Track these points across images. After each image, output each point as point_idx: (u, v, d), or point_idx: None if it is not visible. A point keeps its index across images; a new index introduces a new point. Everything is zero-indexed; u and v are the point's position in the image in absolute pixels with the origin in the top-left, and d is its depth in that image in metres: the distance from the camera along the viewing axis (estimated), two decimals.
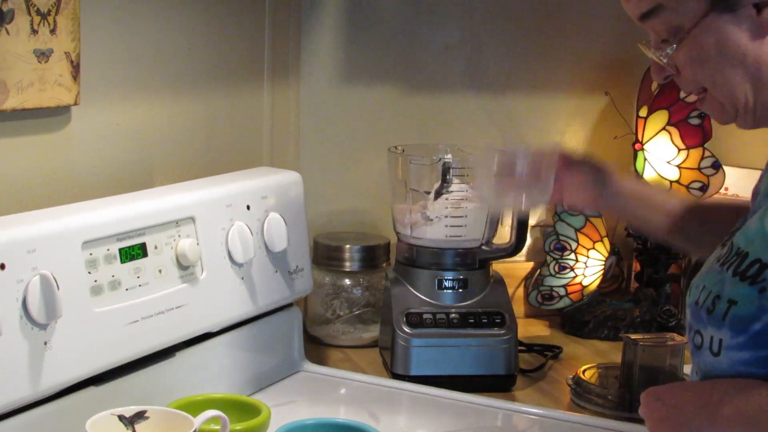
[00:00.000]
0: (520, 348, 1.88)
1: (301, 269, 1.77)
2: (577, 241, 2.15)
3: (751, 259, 1.18)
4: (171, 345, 1.52)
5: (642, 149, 2.13)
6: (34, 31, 1.47)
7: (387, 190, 1.93)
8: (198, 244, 1.55)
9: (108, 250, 1.42)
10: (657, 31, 1.25)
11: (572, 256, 2.16)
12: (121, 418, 1.29)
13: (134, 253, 1.45)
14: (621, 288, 2.30)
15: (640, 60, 2.21)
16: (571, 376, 1.80)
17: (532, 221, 2.04)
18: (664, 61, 1.25)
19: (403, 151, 1.88)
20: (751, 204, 1.29)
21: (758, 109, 1.22)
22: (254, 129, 1.99)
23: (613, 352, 2.02)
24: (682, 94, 2.11)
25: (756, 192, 1.29)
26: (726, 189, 2.11)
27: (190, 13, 1.80)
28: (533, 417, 1.69)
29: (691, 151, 2.11)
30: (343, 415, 1.51)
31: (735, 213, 1.35)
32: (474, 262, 1.85)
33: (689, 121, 2.10)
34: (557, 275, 2.17)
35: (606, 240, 2.17)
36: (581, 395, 1.75)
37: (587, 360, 1.99)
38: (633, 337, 1.75)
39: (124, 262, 1.44)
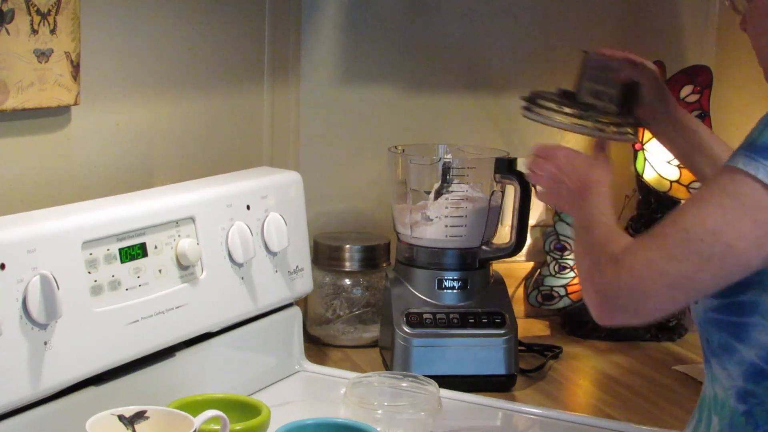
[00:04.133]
0: (520, 348, 1.88)
1: (301, 269, 1.77)
2: None
3: None
4: (171, 345, 1.52)
5: (642, 149, 2.13)
6: (34, 31, 1.47)
7: (387, 190, 1.93)
8: (198, 244, 1.55)
9: (108, 250, 1.42)
10: None
11: (572, 255, 2.16)
12: (121, 418, 1.29)
13: (134, 253, 1.45)
14: None
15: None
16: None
17: (532, 221, 2.03)
18: (740, 9, 1.34)
19: (403, 151, 1.88)
20: None
21: None
22: (254, 129, 1.99)
23: (613, 353, 2.02)
24: (682, 94, 2.11)
25: None
26: None
27: (190, 13, 1.80)
28: (533, 417, 1.69)
29: None
30: (343, 415, 1.51)
31: None
32: (474, 262, 1.85)
33: None
34: (557, 275, 2.17)
35: None
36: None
37: (587, 360, 1.99)
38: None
39: (124, 262, 1.44)
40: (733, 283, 1.21)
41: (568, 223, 2.15)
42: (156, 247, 1.49)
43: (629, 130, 1.61)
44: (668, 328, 2.09)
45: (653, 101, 1.62)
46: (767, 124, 1.16)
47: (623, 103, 1.62)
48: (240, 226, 1.62)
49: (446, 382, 1.67)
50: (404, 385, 1.58)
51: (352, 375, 1.68)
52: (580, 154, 1.52)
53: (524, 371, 1.85)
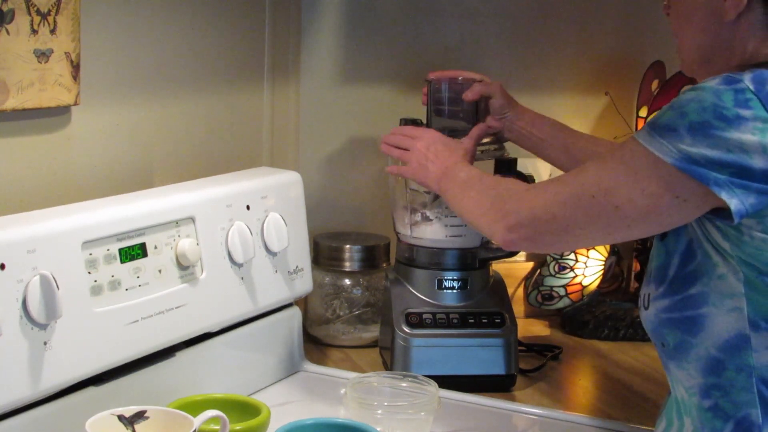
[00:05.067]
0: (520, 348, 1.88)
1: (301, 269, 1.77)
2: None
3: None
4: (171, 345, 1.52)
5: None
6: (34, 31, 1.47)
7: (387, 190, 1.93)
8: (198, 244, 1.55)
9: (108, 250, 1.42)
10: None
11: (572, 256, 2.16)
12: (121, 418, 1.29)
13: (134, 253, 1.45)
14: (621, 288, 2.30)
15: (640, 60, 2.22)
16: None
17: None
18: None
19: None
20: None
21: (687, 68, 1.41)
22: (254, 129, 1.99)
23: (613, 353, 2.02)
24: None
25: None
26: None
27: (190, 13, 1.80)
28: (533, 417, 1.69)
29: None
30: (343, 415, 1.51)
31: None
32: (474, 262, 1.85)
33: None
34: (557, 275, 2.17)
35: None
36: None
37: (587, 360, 1.99)
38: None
39: (124, 262, 1.44)
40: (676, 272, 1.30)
41: None
42: (156, 247, 1.49)
43: (494, 146, 1.82)
44: None
45: (502, 108, 1.80)
46: (671, 106, 1.24)
47: (475, 119, 1.82)
48: (240, 226, 1.62)
49: (446, 382, 1.68)
50: (404, 385, 1.58)
51: (352, 375, 1.68)
52: (447, 138, 1.70)
53: (524, 371, 1.86)
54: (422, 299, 1.83)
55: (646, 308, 1.36)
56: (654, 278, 1.35)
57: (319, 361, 1.88)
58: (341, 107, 2.12)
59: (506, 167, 1.82)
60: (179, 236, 1.53)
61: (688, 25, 1.36)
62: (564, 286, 2.17)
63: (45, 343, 1.30)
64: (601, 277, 2.19)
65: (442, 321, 1.80)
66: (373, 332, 1.99)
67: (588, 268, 2.17)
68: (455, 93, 1.83)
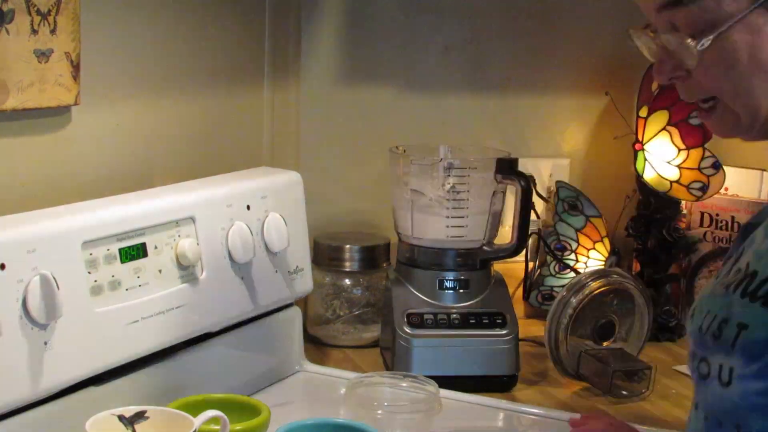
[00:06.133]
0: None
1: (301, 269, 1.77)
2: (577, 241, 2.14)
3: (762, 277, 1.07)
4: (171, 345, 1.52)
5: (642, 149, 2.13)
6: (34, 31, 1.47)
7: (387, 190, 1.93)
8: (198, 244, 1.55)
9: (108, 250, 1.41)
10: (678, 25, 1.11)
11: (573, 256, 2.16)
12: (121, 418, 1.29)
13: (134, 253, 1.45)
14: None
15: (640, 60, 2.22)
16: None
17: (533, 227, 2.03)
18: (690, 62, 1.11)
19: (405, 151, 1.88)
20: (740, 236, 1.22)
21: None
22: (254, 129, 1.99)
23: None
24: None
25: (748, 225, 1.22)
26: (726, 189, 2.11)
27: (190, 13, 1.80)
28: (533, 417, 1.69)
29: (692, 151, 2.10)
30: (343, 415, 1.51)
31: None
32: (475, 262, 1.85)
33: (689, 121, 2.10)
34: (557, 275, 2.17)
35: (606, 240, 2.16)
36: None
37: None
38: None
39: (124, 262, 1.44)
40: None
41: (568, 224, 2.15)
42: (156, 247, 1.49)
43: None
44: (668, 328, 2.09)
45: None
46: None
47: None
48: (240, 226, 1.62)
49: (447, 382, 1.67)
50: (404, 385, 1.58)
51: (352, 375, 1.68)
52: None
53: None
54: (423, 299, 1.82)
55: (727, 384, 1.08)
56: (741, 350, 1.07)
57: (319, 361, 1.88)
58: (341, 107, 2.12)
59: (507, 167, 1.82)
60: (179, 236, 1.53)
61: (758, 74, 1.06)
62: (564, 287, 2.16)
63: (45, 343, 1.30)
64: None
65: (443, 321, 1.80)
66: (373, 332, 1.98)
67: (588, 269, 2.16)
68: None
